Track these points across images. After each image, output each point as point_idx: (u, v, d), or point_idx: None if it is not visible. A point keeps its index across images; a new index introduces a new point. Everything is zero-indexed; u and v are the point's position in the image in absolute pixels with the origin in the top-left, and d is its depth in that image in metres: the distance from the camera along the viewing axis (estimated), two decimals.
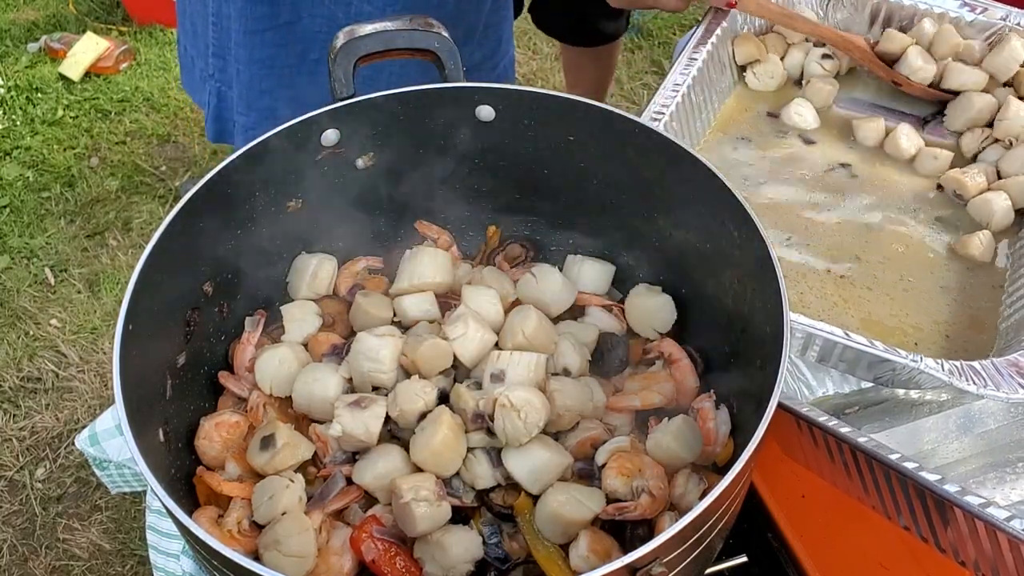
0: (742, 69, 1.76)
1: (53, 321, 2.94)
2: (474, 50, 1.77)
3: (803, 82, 1.74)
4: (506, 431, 1.04)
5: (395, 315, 1.23)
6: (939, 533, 1.00)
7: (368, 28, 1.18)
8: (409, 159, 1.25)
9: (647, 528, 1.04)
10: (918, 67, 1.67)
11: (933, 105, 1.72)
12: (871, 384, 1.31)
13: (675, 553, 0.83)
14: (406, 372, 1.12)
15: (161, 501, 0.84)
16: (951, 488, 0.95)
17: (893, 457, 1.00)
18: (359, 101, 1.17)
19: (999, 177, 1.56)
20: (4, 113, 3.68)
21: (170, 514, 0.84)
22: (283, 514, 1.00)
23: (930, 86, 1.69)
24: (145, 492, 1.49)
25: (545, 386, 1.09)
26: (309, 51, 1.60)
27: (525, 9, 2.89)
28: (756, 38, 1.75)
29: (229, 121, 1.84)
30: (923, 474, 0.97)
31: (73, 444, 2.24)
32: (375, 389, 1.12)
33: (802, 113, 1.68)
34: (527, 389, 1.05)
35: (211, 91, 1.80)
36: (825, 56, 1.74)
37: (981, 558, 0.96)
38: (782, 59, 1.76)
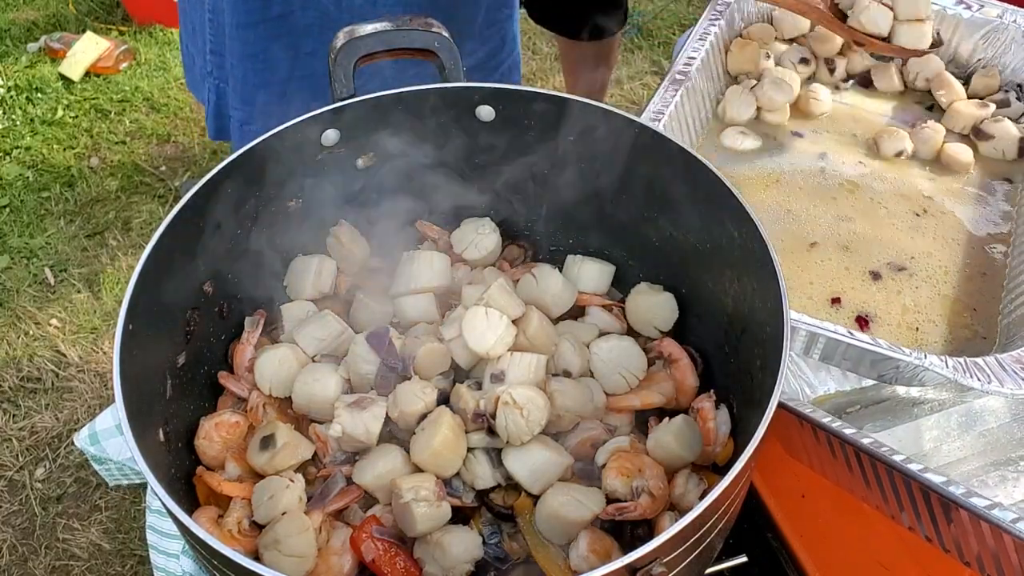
0: (735, 79, 1.77)
1: (53, 321, 2.94)
2: (476, 48, 1.76)
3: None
4: (508, 429, 1.04)
5: (394, 316, 1.23)
6: (943, 533, 1.00)
7: (368, 28, 1.18)
8: (409, 159, 1.25)
9: (647, 528, 1.04)
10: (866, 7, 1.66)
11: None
12: (872, 383, 1.31)
13: (675, 553, 0.83)
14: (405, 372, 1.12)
15: (161, 501, 0.84)
16: (957, 490, 0.95)
17: (898, 458, 1.00)
18: (359, 101, 1.17)
19: None
20: (4, 113, 3.68)
21: (170, 514, 0.84)
22: (283, 514, 1.00)
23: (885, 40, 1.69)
24: (144, 488, 1.49)
25: (545, 387, 1.09)
26: (302, 44, 1.59)
27: (520, 6, 2.89)
28: (748, 44, 1.75)
29: (228, 117, 1.84)
30: (928, 475, 0.97)
31: (73, 444, 2.24)
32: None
33: (738, 138, 1.66)
34: (530, 387, 1.06)
35: (210, 88, 1.80)
36: (803, 60, 1.76)
37: (986, 557, 0.96)
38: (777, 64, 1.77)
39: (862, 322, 1.34)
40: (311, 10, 1.56)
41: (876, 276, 1.42)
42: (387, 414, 1.07)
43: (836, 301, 1.38)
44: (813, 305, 1.37)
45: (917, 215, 1.53)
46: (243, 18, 1.58)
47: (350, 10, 1.54)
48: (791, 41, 1.82)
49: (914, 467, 0.99)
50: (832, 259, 1.44)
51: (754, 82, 1.71)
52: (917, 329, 1.35)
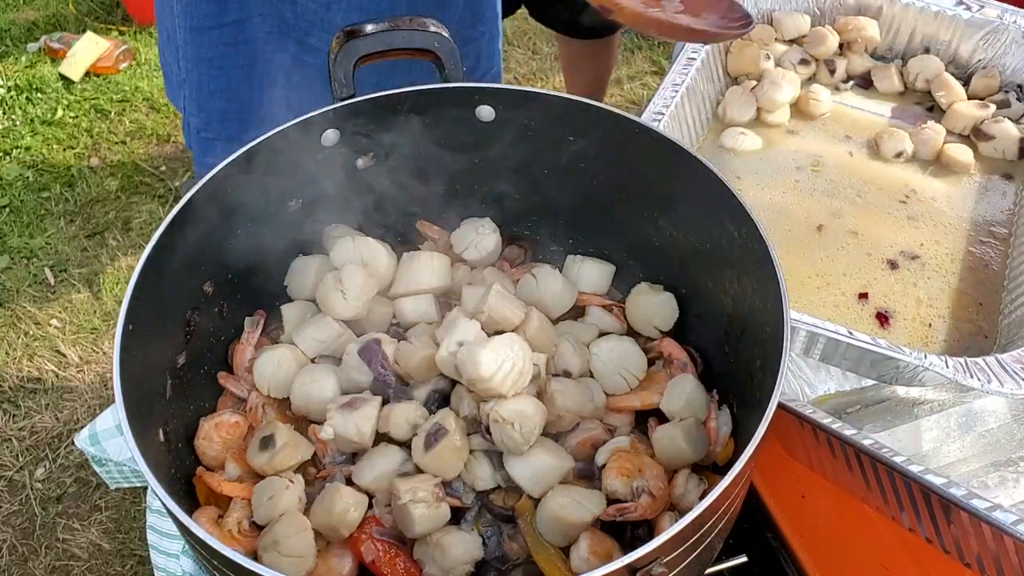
0: (735, 79, 1.77)
1: (53, 321, 2.94)
2: (463, 56, 1.74)
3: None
4: (505, 443, 1.03)
5: (394, 317, 1.23)
6: (944, 534, 1.00)
7: (368, 28, 1.18)
8: (409, 159, 1.25)
9: (647, 528, 1.04)
10: None
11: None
12: (872, 383, 1.31)
13: (675, 553, 0.83)
14: (401, 380, 1.12)
15: (161, 501, 0.84)
16: (957, 491, 0.95)
17: (898, 460, 1.00)
18: (359, 101, 1.17)
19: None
20: (4, 113, 3.68)
21: (170, 514, 0.84)
22: (281, 515, 1.00)
23: None
24: (144, 489, 1.48)
25: (546, 387, 1.09)
26: (260, 52, 1.55)
27: (523, 6, 2.88)
28: (748, 45, 1.75)
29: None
30: (929, 477, 0.97)
31: (73, 444, 2.24)
32: None
33: (738, 138, 1.66)
34: (516, 400, 1.04)
35: (184, 95, 1.78)
36: (803, 61, 1.76)
37: (986, 558, 0.96)
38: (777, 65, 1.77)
39: (882, 319, 1.35)
40: (269, 17, 1.53)
41: (894, 265, 1.43)
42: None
43: (864, 296, 1.39)
44: (846, 302, 1.39)
45: (911, 210, 1.54)
46: (196, 22, 1.55)
47: (305, 16, 1.52)
48: (791, 42, 1.82)
49: (915, 468, 0.99)
50: (850, 244, 1.48)
51: (754, 83, 1.71)
52: (930, 325, 1.35)
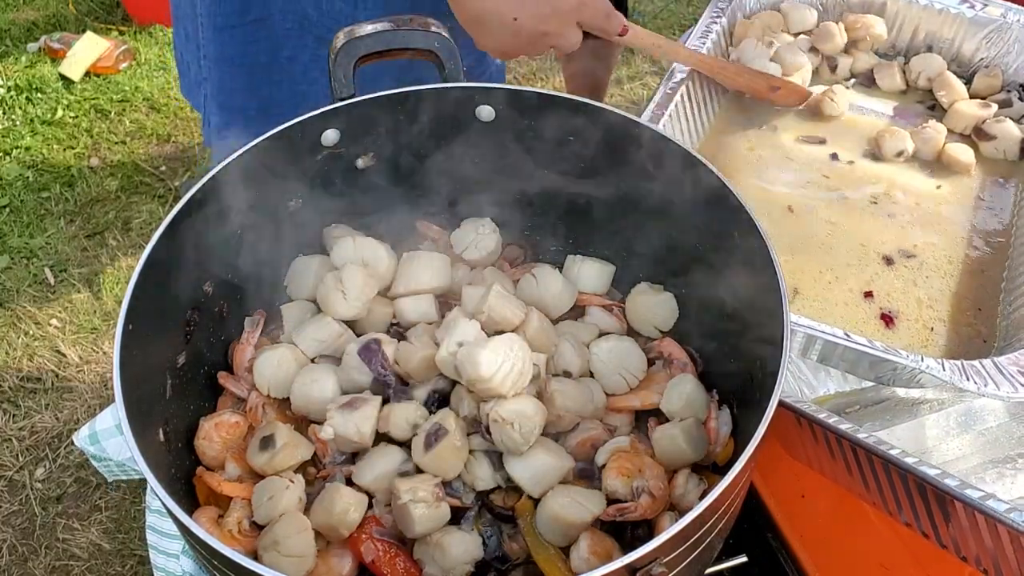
0: None
1: (53, 321, 2.94)
2: (463, 56, 1.76)
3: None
4: (505, 443, 1.03)
5: (394, 317, 1.23)
6: (940, 528, 1.00)
7: (368, 28, 1.18)
8: (409, 159, 1.25)
9: (647, 528, 1.04)
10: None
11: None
12: (872, 383, 1.31)
13: (675, 553, 0.83)
14: (401, 380, 1.12)
15: (161, 501, 0.84)
16: (951, 482, 0.95)
17: (894, 452, 1.00)
18: (359, 101, 1.17)
19: None
20: (4, 113, 3.68)
21: (170, 514, 0.84)
22: (282, 515, 1.00)
23: None
24: (144, 488, 1.48)
25: (546, 387, 1.09)
26: (281, 49, 1.58)
27: None
28: (751, 26, 1.75)
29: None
30: (923, 468, 0.97)
31: (73, 444, 2.24)
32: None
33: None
34: (515, 400, 1.04)
35: (205, 94, 1.79)
36: (812, 49, 1.76)
37: (982, 551, 0.96)
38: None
39: (887, 319, 1.34)
40: (291, 14, 1.54)
41: (889, 261, 1.44)
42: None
43: (869, 294, 1.39)
44: (854, 299, 1.39)
45: (910, 208, 1.54)
46: (220, 20, 1.57)
47: (331, 14, 1.53)
48: (796, 35, 1.81)
49: (910, 460, 0.99)
50: (850, 239, 1.48)
51: (769, 43, 1.70)
52: (932, 329, 1.35)
